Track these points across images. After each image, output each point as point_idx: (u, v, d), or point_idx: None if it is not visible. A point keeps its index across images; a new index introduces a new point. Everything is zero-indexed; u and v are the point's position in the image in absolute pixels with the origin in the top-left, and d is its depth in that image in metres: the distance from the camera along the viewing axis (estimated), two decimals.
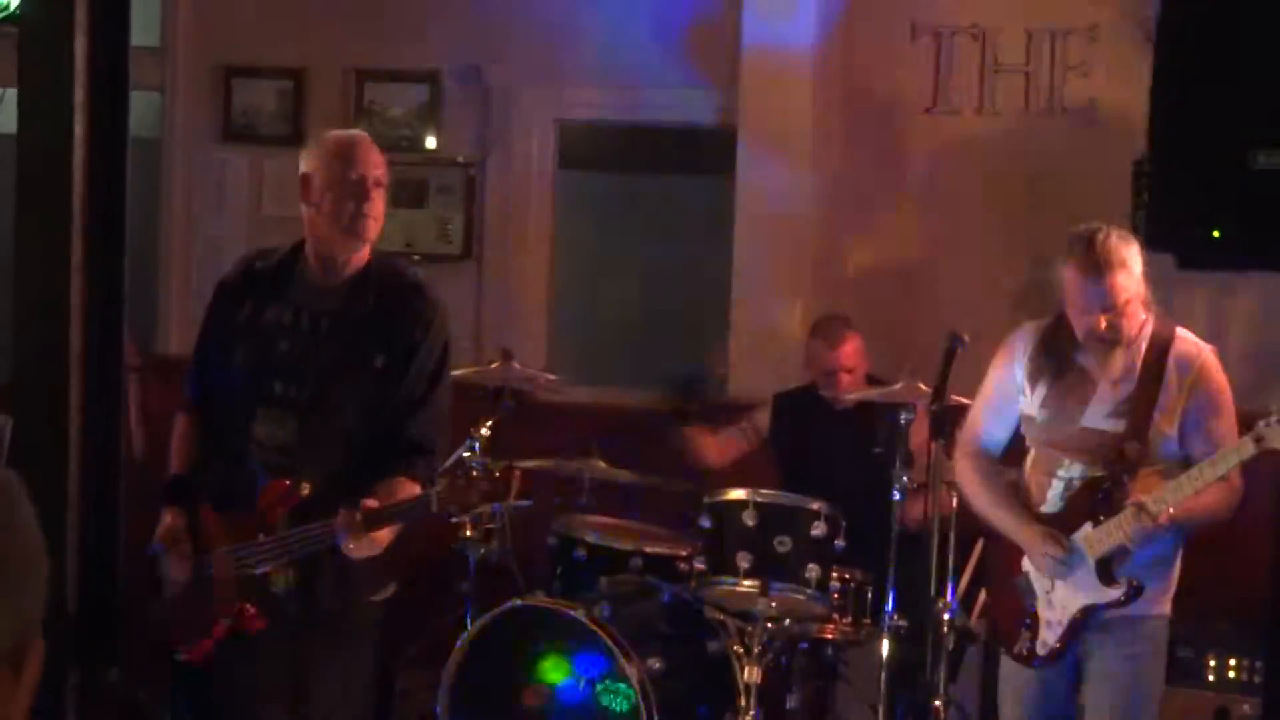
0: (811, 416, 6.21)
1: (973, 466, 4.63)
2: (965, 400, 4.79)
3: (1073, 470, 4.40)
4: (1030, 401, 4.48)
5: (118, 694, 3.77)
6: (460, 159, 7.39)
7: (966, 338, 4.69)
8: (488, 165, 7.38)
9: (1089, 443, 4.38)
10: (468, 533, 5.57)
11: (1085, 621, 4.37)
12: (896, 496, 5.38)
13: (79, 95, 3.44)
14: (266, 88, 7.54)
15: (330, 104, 7.44)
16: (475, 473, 3.87)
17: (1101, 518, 4.31)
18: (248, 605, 4.07)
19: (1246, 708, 5.17)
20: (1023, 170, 6.77)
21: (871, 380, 6.09)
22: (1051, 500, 4.45)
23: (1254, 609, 5.05)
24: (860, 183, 6.98)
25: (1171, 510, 4.19)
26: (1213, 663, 5.43)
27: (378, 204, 4.18)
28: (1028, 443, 4.55)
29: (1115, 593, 4.31)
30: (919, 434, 5.36)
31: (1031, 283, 6.55)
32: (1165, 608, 4.43)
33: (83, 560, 3.69)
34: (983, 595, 5.71)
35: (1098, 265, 4.21)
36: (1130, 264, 4.23)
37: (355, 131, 4.39)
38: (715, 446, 6.38)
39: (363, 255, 4.23)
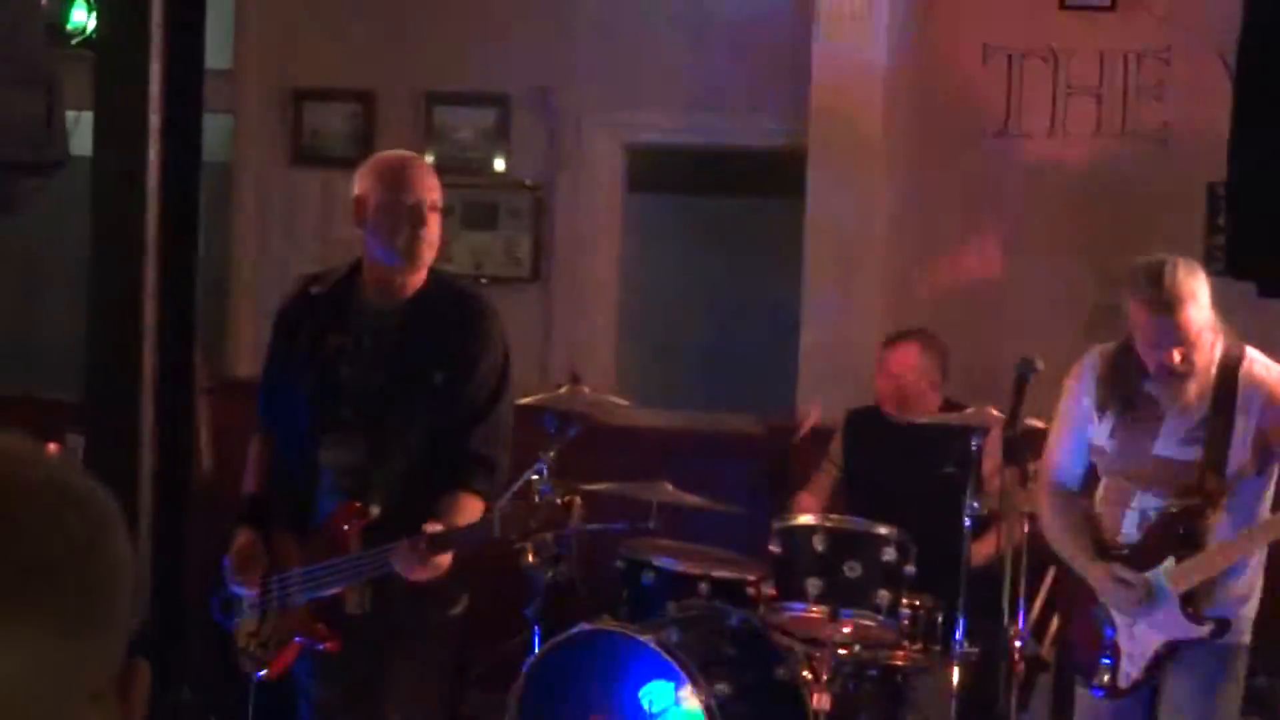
0: (878, 435, 6.15)
1: (1048, 499, 4.57)
2: (1039, 424, 4.73)
3: (1146, 501, 4.34)
4: (1099, 431, 4.42)
5: (188, 713, 3.78)
6: (529, 182, 7.40)
7: (1040, 363, 4.64)
8: (556, 188, 7.39)
9: (1163, 473, 4.31)
10: (530, 559, 5.54)
11: (1169, 655, 4.31)
12: (967, 524, 5.33)
13: (154, 120, 3.46)
14: (337, 110, 7.58)
15: (400, 127, 7.47)
16: (538, 499, 3.87)
17: (1184, 553, 4.24)
18: (321, 625, 4.08)
19: None
20: (1095, 193, 6.71)
21: (947, 404, 6.03)
22: (1128, 532, 4.38)
23: None
24: (931, 205, 6.94)
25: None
26: None
27: (434, 229, 4.17)
28: (1100, 472, 4.49)
29: (1202, 630, 4.25)
30: (991, 460, 5.31)
31: (1101, 307, 6.50)
32: (1246, 636, 4.36)
33: (153, 580, 3.71)
34: (1055, 623, 5.65)
35: (1167, 303, 4.13)
36: (1199, 295, 4.16)
37: (408, 153, 4.38)
38: (813, 502, 6.25)
39: (420, 276, 4.22)
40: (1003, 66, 6.84)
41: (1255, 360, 4.31)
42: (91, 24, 3.84)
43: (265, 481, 4.33)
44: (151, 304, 3.49)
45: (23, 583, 1.15)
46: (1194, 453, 4.28)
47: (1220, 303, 4.21)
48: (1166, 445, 4.32)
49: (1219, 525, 4.23)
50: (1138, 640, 4.37)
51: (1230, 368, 4.27)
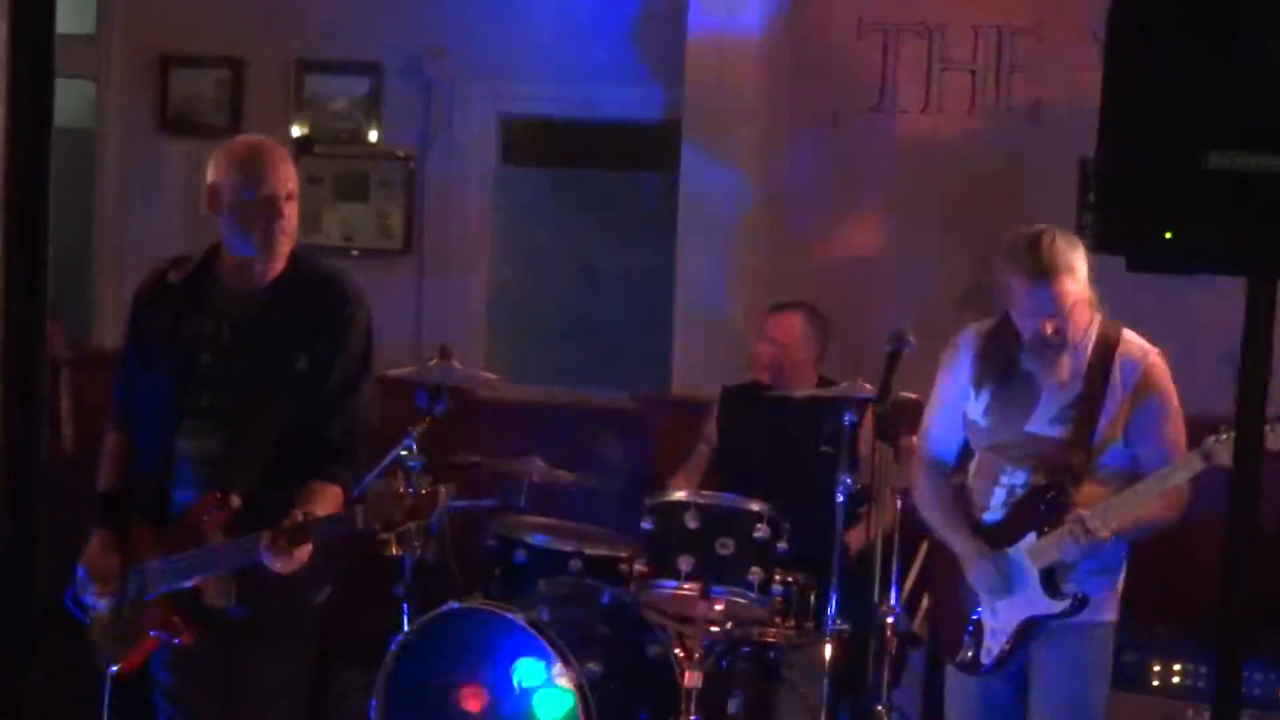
0: (754, 411, 6.14)
1: (924, 476, 4.57)
2: (913, 397, 4.72)
3: (1016, 477, 4.34)
4: (975, 406, 4.42)
5: (42, 698, 3.67)
6: (401, 153, 7.31)
7: (912, 338, 4.62)
8: (429, 159, 7.30)
9: (1033, 449, 4.31)
10: (393, 549, 5.47)
11: (1030, 631, 4.32)
12: (841, 500, 5.33)
13: (1, 84, 3.33)
14: (205, 78, 7.43)
15: (270, 95, 7.35)
16: (404, 489, 3.81)
17: (1046, 529, 4.25)
18: (176, 619, 4.00)
19: (1191, 713, 5.14)
20: (969, 169, 6.75)
21: (822, 381, 6.03)
22: (994, 507, 4.39)
23: (1200, 614, 5.02)
24: (806, 181, 6.93)
25: (1114, 525, 4.15)
26: (1158, 668, 5.40)
27: (291, 219, 4.10)
28: (972, 447, 4.49)
29: (1060, 605, 4.26)
30: (865, 435, 5.31)
31: (976, 282, 6.53)
32: (1112, 614, 4.38)
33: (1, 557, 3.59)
34: (926, 600, 5.67)
35: (1043, 271, 4.14)
36: (1076, 268, 4.17)
37: (264, 141, 4.25)
38: (688, 481, 6.23)
39: (279, 263, 4.13)
40: (878, 41, 6.85)
41: (1132, 341, 4.32)
42: None
43: (121, 478, 4.23)
44: None
45: None
46: (1063, 430, 4.28)
47: (1097, 278, 4.22)
48: (1039, 422, 4.32)
49: (1088, 499, 4.23)
50: (1000, 616, 4.37)
51: (1107, 347, 4.28)
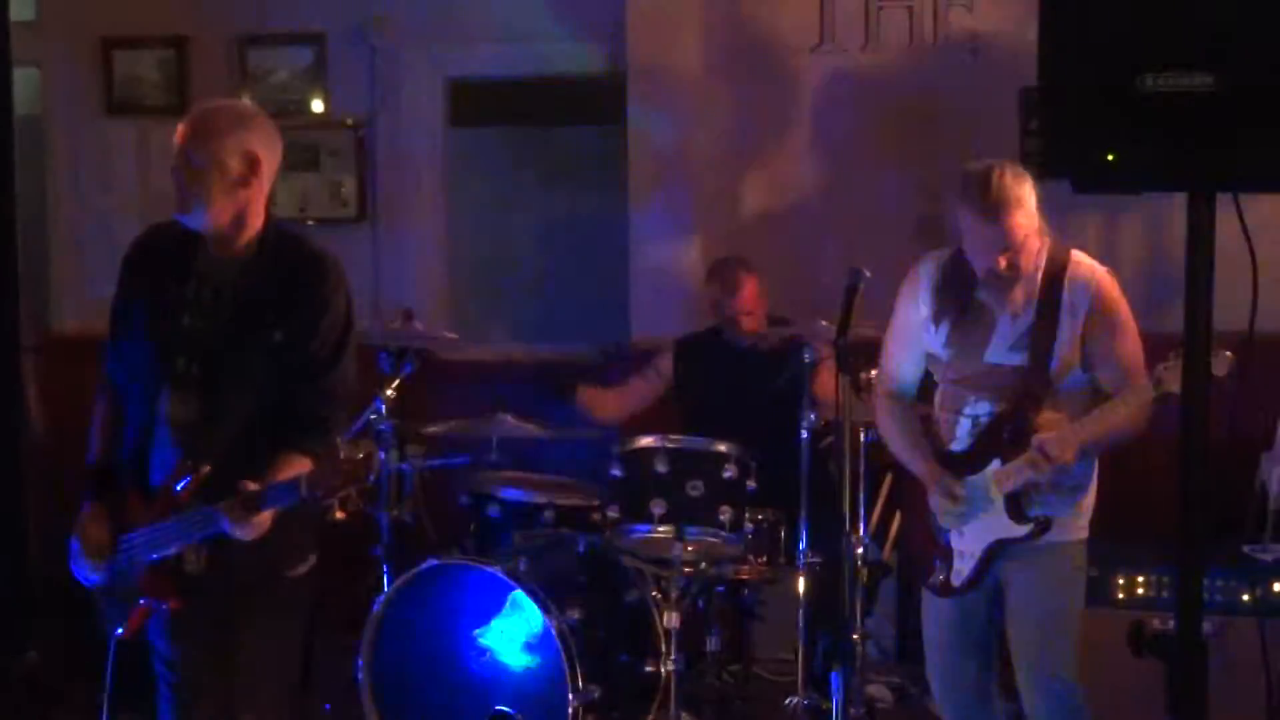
0: (715, 359, 6.24)
1: (886, 406, 4.63)
2: (870, 333, 4.80)
3: (979, 408, 4.42)
4: (934, 339, 4.48)
5: (39, 675, 3.75)
6: (349, 121, 7.34)
7: (868, 272, 4.71)
8: (378, 126, 7.34)
9: (993, 379, 4.39)
10: (337, 515, 5.51)
11: (999, 552, 4.41)
12: (804, 436, 5.42)
13: None
14: (148, 58, 7.44)
15: (214, 71, 7.37)
16: (342, 454, 3.86)
17: (1008, 456, 4.33)
18: (163, 585, 4.07)
19: (1157, 623, 5.26)
20: (910, 104, 6.81)
21: (773, 320, 6.12)
22: (960, 438, 4.46)
23: (1159, 526, 5.13)
24: (751, 124, 7.00)
25: (1074, 450, 4.23)
26: (1121, 581, 5.51)
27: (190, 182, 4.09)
28: (936, 379, 4.57)
29: (1023, 530, 4.35)
30: (826, 372, 5.39)
31: (926, 215, 6.62)
32: (1082, 532, 4.46)
33: None
34: (895, 527, 5.78)
35: (995, 207, 4.19)
36: (1026, 201, 4.23)
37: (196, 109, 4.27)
38: (614, 399, 6.38)
39: (257, 225, 4.17)
40: None
41: (1080, 263, 4.38)
42: None
43: (109, 448, 4.27)
44: None
45: None
46: (1021, 358, 4.35)
47: (1043, 205, 4.30)
48: (996, 351, 4.39)
49: (1050, 424, 4.32)
50: (967, 539, 4.46)
51: (1056, 272, 4.34)
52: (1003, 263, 4.26)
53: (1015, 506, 4.36)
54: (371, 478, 3.88)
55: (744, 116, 6.99)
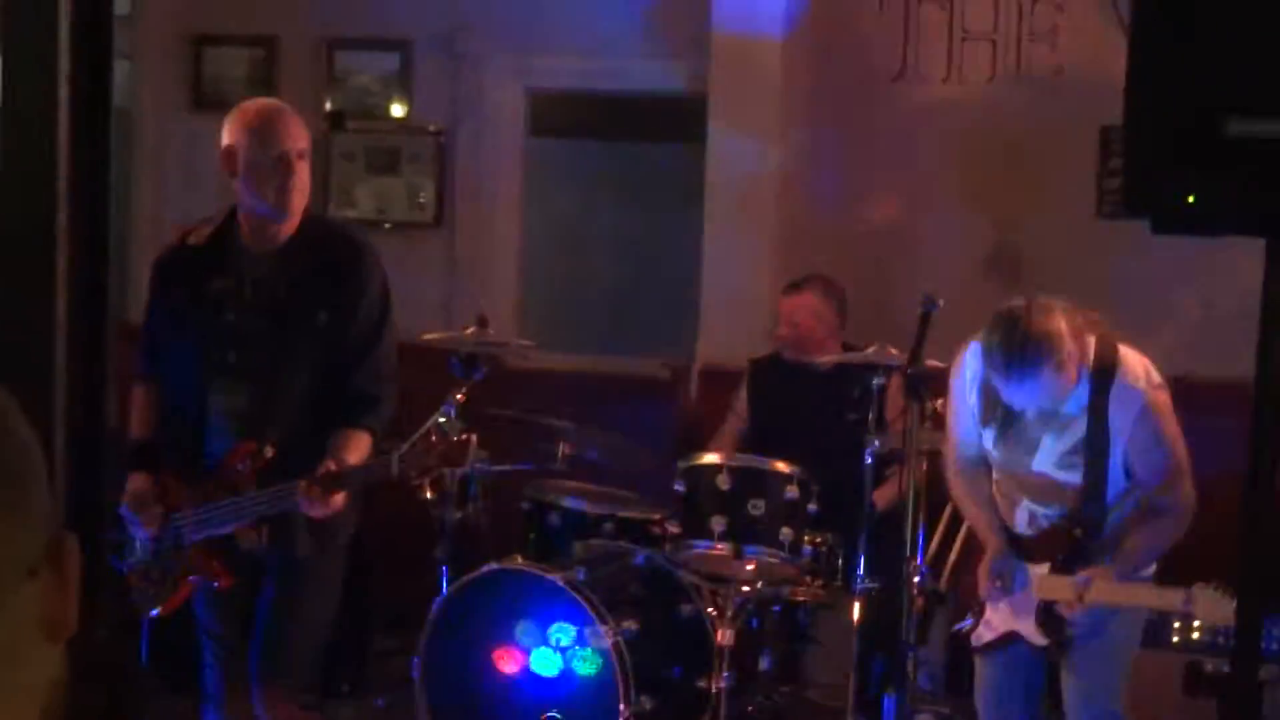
0: (781, 381, 6.24)
1: (955, 472, 4.61)
2: (941, 365, 4.81)
3: (1034, 506, 4.39)
4: (986, 435, 4.43)
5: (105, 653, 3.81)
6: (431, 127, 7.41)
7: (941, 300, 4.70)
8: (459, 133, 7.41)
9: (1045, 489, 4.34)
10: (429, 494, 5.61)
11: (1014, 640, 4.40)
12: (869, 461, 5.44)
13: (64, 64, 3.45)
14: (237, 56, 7.55)
15: (301, 72, 7.46)
16: (435, 438, 3.94)
17: (1061, 568, 4.27)
18: (215, 563, 4.16)
19: (1210, 667, 5.24)
20: (990, 137, 6.82)
21: (846, 348, 6.12)
22: (1019, 523, 4.44)
23: (1217, 569, 5.12)
24: (829, 151, 7.03)
25: (1112, 599, 4.20)
26: (1177, 624, 5.50)
27: (302, 175, 4.23)
28: (992, 465, 4.53)
29: (1042, 641, 4.34)
30: (894, 401, 5.40)
31: (1000, 246, 6.63)
32: (1132, 627, 4.47)
33: (71, 529, 3.72)
34: (952, 558, 5.77)
35: (1020, 374, 4.10)
36: (1055, 352, 4.07)
37: (272, 103, 4.40)
38: (722, 454, 6.30)
39: (293, 222, 4.27)
40: (899, 12, 6.93)
41: (1128, 370, 4.23)
42: None
43: (151, 427, 4.37)
44: (65, 247, 3.49)
45: None
46: (1073, 477, 4.28)
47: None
48: (1044, 463, 4.33)
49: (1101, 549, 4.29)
50: (1000, 611, 4.45)
51: (1104, 379, 4.21)
52: (1039, 406, 4.22)
53: (1049, 614, 4.30)
54: (468, 464, 3.98)
55: (823, 142, 7.02)
